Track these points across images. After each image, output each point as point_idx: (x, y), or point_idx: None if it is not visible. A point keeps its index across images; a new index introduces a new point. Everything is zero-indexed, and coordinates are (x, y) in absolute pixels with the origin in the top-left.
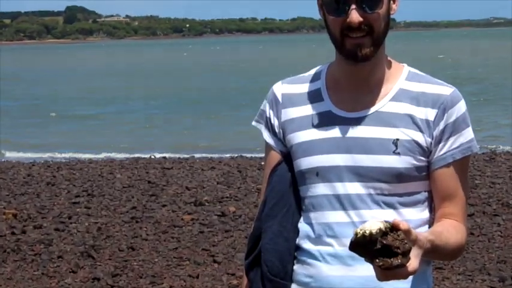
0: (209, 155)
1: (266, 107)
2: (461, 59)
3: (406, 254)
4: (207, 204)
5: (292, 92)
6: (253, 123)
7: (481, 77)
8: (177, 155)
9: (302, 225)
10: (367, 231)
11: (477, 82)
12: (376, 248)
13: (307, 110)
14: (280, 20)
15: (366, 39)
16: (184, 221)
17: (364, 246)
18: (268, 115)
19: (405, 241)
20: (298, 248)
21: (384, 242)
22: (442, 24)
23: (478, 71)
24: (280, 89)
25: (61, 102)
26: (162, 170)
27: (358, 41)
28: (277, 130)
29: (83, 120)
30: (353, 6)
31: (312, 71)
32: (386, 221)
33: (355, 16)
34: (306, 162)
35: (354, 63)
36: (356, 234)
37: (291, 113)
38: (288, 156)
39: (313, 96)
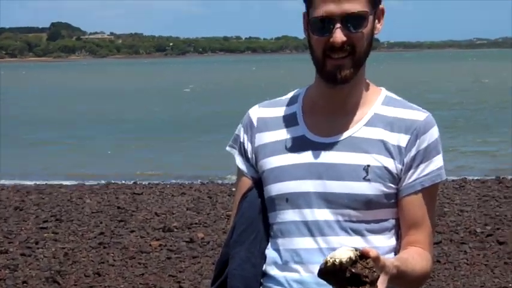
0: (180, 181)
1: (241, 131)
2: (440, 82)
3: (374, 283)
4: (175, 230)
5: (268, 116)
6: (227, 148)
7: (454, 101)
8: (148, 181)
9: (269, 252)
10: (337, 260)
11: (451, 108)
12: (344, 277)
13: (281, 134)
14: (264, 39)
15: (346, 60)
16: (152, 246)
17: (334, 274)
18: (242, 140)
19: (373, 269)
20: (265, 274)
21: (353, 270)
22: (425, 45)
23: (455, 96)
24: (256, 113)
25: (31, 125)
26: (132, 196)
27: (339, 62)
28: (250, 156)
29: (51, 145)
30: (338, 25)
31: (289, 95)
32: (356, 249)
33: (338, 35)
34: (276, 188)
35: (332, 86)
36: (326, 262)
37: (264, 137)
38: (259, 182)
39: (289, 121)
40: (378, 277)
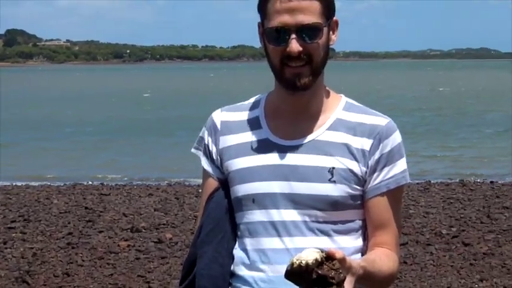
0: (147, 182)
1: (205, 134)
2: (398, 90)
3: (340, 284)
4: (143, 230)
5: (231, 120)
6: (192, 150)
7: (414, 107)
8: (115, 182)
9: (237, 252)
10: (304, 262)
11: (411, 114)
12: (311, 279)
13: (245, 137)
14: (220, 47)
15: (305, 68)
16: (121, 247)
17: (300, 275)
18: (206, 142)
19: (340, 271)
20: (233, 274)
21: (320, 272)
22: (380, 55)
23: (414, 102)
24: (219, 116)
25: None
26: (99, 196)
27: (298, 70)
28: (215, 157)
29: (13, 147)
30: (293, 36)
31: (251, 100)
32: (322, 250)
33: (294, 45)
34: (242, 189)
35: (292, 92)
36: (292, 264)
37: (229, 140)
38: (225, 183)
39: (252, 124)
40: (345, 278)
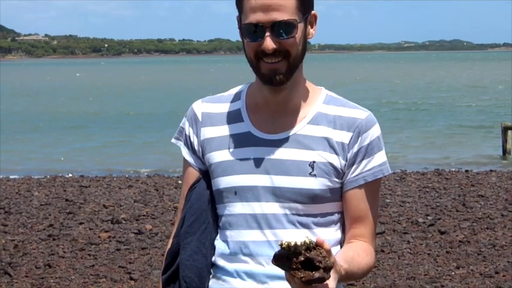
0: (126, 174)
1: (186, 124)
2: (374, 81)
3: (327, 270)
4: (124, 222)
5: (212, 112)
6: (173, 140)
7: (391, 99)
8: (95, 173)
9: (219, 243)
10: (293, 243)
11: (387, 106)
12: (298, 261)
13: (226, 130)
14: (197, 41)
15: (281, 64)
16: (101, 238)
17: (287, 258)
18: (187, 133)
19: (327, 258)
20: (214, 264)
21: (308, 255)
22: (355, 47)
23: (389, 93)
24: (200, 107)
25: None
26: (79, 188)
27: (273, 66)
28: (196, 148)
29: None
30: (267, 33)
31: (232, 91)
32: (310, 238)
33: (269, 43)
34: (224, 182)
35: (270, 87)
36: (281, 245)
37: (210, 132)
38: (206, 173)
39: (233, 117)
40: (331, 266)
